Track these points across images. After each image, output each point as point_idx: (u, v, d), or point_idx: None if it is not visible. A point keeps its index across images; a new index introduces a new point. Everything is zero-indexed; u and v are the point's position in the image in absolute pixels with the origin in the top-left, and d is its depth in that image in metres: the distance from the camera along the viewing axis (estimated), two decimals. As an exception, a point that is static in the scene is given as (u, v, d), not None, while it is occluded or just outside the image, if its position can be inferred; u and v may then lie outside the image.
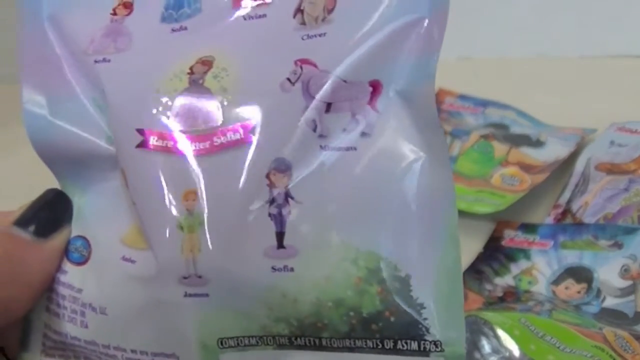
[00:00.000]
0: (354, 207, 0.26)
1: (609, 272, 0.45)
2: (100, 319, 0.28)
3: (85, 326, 0.28)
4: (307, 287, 0.26)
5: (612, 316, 0.42)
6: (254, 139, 0.26)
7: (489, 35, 0.72)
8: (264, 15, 0.28)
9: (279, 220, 0.26)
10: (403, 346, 0.26)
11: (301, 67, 0.26)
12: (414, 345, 0.26)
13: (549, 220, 0.51)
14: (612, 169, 0.52)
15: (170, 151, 0.27)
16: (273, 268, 0.26)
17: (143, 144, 0.27)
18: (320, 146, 0.26)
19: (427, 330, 0.25)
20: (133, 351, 0.28)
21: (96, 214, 0.29)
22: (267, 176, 0.26)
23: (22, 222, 0.28)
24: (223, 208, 0.26)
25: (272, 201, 0.26)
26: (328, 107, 0.26)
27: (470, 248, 0.50)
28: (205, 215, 0.26)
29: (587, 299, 0.44)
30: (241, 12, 0.28)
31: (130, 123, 0.27)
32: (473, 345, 0.38)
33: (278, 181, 0.26)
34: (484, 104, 0.64)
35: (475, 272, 0.48)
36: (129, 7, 0.29)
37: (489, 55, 0.71)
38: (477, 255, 0.50)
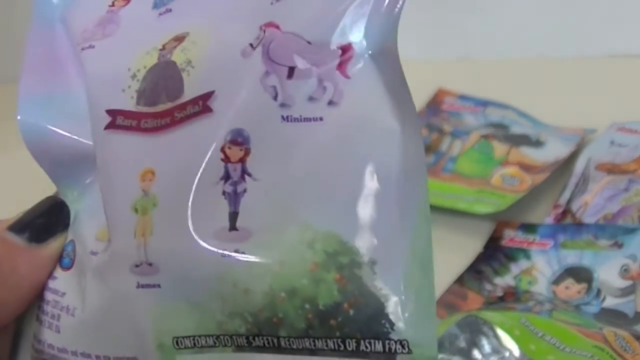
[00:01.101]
0: (317, 183, 0.23)
1: (609, 272, 0.45)
2: (70, 322, 0.27)
3: (57, 331, 0.27)
4: (258, 275, 0.23)
5: (612, 316, 0.42)
6: (214, 110, 0.24)
7: (489, 35, 0.72)
8: None
9: (233, 199, 0.23)
10: (366, 347, 0.23)
11: (264, 31, 0.24)
12: (379, 346, 0.22)
13: (549, 220, 0.51)
14: (612, 169, 0.52)
15: (133, 130, 0.25)
16: (223, 253, 0.23)
17: (110, 125, 0.26)
18: (282, 117, 0.24)
19: (392, 326, 0.22)
20: (97, 357, 0.26)
21: (78, 214, 0.28)
22: (222, 149, 0.24)
23: (17, 228, 0.28)
24: (176, 187, 0.24)
25: (226, 178, 0.24)
26: (291, 72, 0.24)
27: (470, 248, 0.50)
28: (161, 196, 0.24)
29: (587, 299, 0.44)
30: None
31: (102, 104, 0.26)
32: (473, 345, 0.38)
33: (234, 155, 0.24)
34: (484, 104, 0.64)
35: (475, 272, 0.48)
36: None
37: (489, 55, 0.71)
38: (477, 255, 0.50)
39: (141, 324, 0.25)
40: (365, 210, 0.23)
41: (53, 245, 0.28)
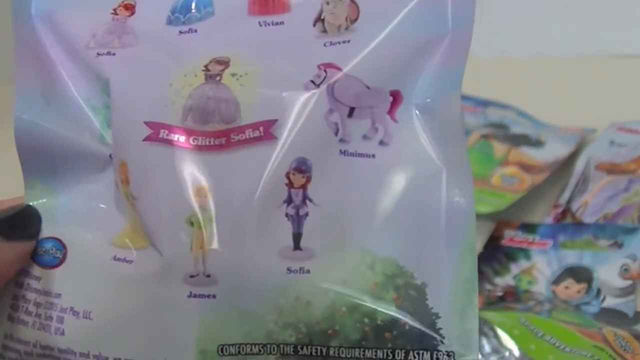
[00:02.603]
0: (371, 213, 0.26)
1: (608, 271, 0.45)
2: (81, 324, 0.27)
3: (61, 333, 0.27)
4: (322, 291, 0.25)
5: (612, 316, 0.42)
6: (277, 137, 0.26)
7: (489, 35, 0.72)
8: (281, 23, 0.28)
9: (297, 221, 0.26)
10: (415, 357, 0.25)
11: (325, 71, 0.26)
12: (427, 356, 0.25)
13: (549, 220, 0.51)
14: (612, 169, 0.52)
15: (182, 146, 0.26)
16: (289, 269, 0.25)
17: (152, 137, 0.26)
18: (340, 150, 0.26)
19: (442, 340, 0.25)
20: (116, 359, 0.27)
21: (74, 216, 0.28)
22: (287, 175, 0.26)
23: None
24: (237, 205, 0.26)
25: (289, 201, 0.26)
26: (351, 111, 0.26)
27: (470, 248, 0.50)
28: (218, 212, 0.26)
29: (587, 298, 0.44)
30: (257, 19, 0.28)
31: (138, 115, 0.27)
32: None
33: (297, 181, 0.26)
34: (484, 104, 0.64)
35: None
36: (130, 8, 0.29)
37: (489, 55, 0.71)
38: (477, 255, 0.50)
39: (184, 331, 0.26)
40: (418, 239, 0.26)
41: (22, 246, 0.28)
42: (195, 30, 0.28)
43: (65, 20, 0.29)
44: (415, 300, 0.25)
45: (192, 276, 0.26)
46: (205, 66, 0.27)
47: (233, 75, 0.27)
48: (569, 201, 0.51)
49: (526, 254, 0.48)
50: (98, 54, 0.28)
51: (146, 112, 0.27)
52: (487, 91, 0.64)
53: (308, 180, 0.26)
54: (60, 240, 0.28)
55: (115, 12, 0.29)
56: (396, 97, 0.27)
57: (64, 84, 0.29)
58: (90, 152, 0.28)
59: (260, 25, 0.28)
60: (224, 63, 0.27)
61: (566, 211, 0.51)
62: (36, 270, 0.28)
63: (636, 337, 0.38)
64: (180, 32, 0.28)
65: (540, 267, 0.47)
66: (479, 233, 0.51)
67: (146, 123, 0.27)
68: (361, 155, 0.26)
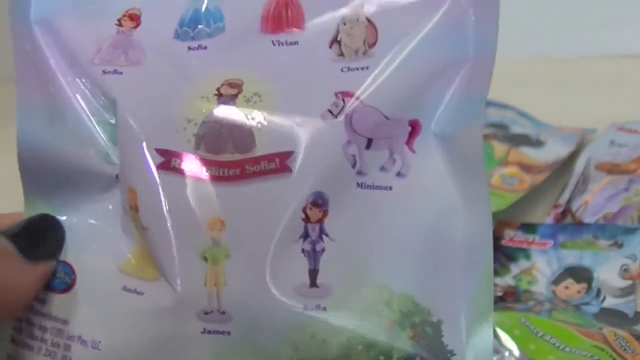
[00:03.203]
0: (389, 247, 0.25)
1: (608, 272, 0.45)
2: (90, 355, 0.26)
3: None
4: (338, 328, 0.25)
5: (612, 316, 0.42)
6: (293, 169, 0.25)
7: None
8: (296, 43, 0.26)
9: (313, 257, 0.25)
10: None
11: (343, 100, 0.25)
12: None
13: (549, 220, 0.51)
14: (612, 169, 0.52)
15: (195, 176, 0.25)
16: (305, 307, 0.25)
17: (163, 166, 0.25)
18: (357, 183, 0.25)
19: None
20: None
21: (81, 237, 0.27)
22: (304, 210, 0.25)
23: (11, 235, 0.26)
24: (251, 240, 0.25)
25: (305, 236, 0.25)
26: (369, 143, 0.25)
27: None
28: (233, 247, 0.25)
29: (587, 298, 0.44)
30: (270, 37, 0.27)
31: (148, 141, 0.26)
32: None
33: (314, 216, 0.25)
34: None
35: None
36: (135, 19, 0.28)
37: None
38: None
39: None
40: (436, 274, 0.25)
41: (45, 266, 0.27)
42: (205, 47, 0.27)
43: (67, 29, 0.28)
44: (431, 338, 0.25)
45: (206, 313, 0.25)
46: (218, 89, 0.26)
47: (247, 101, 0.26)
48: (569, 201, 0.51)
49: (526, 254, 0.48)
50: (104, 72, 0.27)
51: (156, 138, 0.26)
52: (487, 91, 0.64)
53: (325, 214, 0.25)
54: (70, 265, 0.27)
55: (119, 23, 0.28)
56: (415, 127, 0.26)
57: (66, 97, 0.27)
58: (95, 171, 0.27)
59: (274, 45, 0.26)
60: (237, 86, 0.26)
61: (566, 211, 0.51)
62: (41, 293, 0.27)
63: (636, 337, 0.38)
64: (189, 48, 0.27)
65: (540, 267, 0.47)
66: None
67: (157, 150, 0.26)
68: (378, 187, 0.25)
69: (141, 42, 0.27)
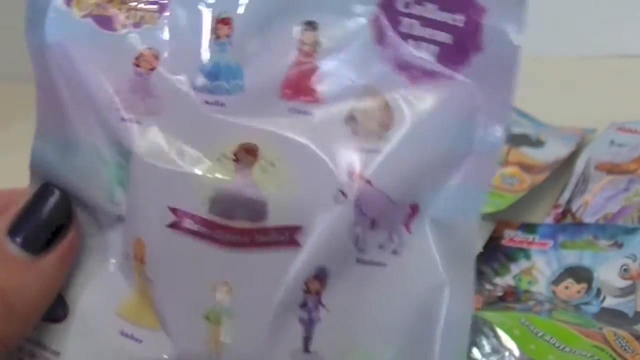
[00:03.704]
0: (378, 320, 0.26)
1: (608, 272, 0.45)
2: None
3: None
4: None
5: (612, 316, 0.42)
6: (302, 244, 0.26)
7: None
8: (311, 114, 0.26)
9: (308, 325, 0.26)
10: None
11: (355, 181, 0.26)
12: None
13: (549, 220, 0.51)
14: (612, 169, 0.52)
15: (205, 238, 0.26)
16: None
17: (175, 225, 0.26)
18: (357, 259, 0.26)
19: None
20: None
21: (76, 271, 0.27)
22: (306, 282, 0.26)
23: (14, 230, 0.25)
24: (255, 306, 0.26)
25: (303, 305, 0.26)
26: (372, 223, 0.26)
27: (470, 248, 0.50)
28: (237, 311, 0.26)
29: (587, 298, 0.44)
30: (288, 104, 0.26)
31: (163, 198, 0.26)
32: (473, 345, 0.38)
33: (314, 288, 0.26)
34: (484, 103, 0.64)
35: (475, 272, 0.48)
36: (152, 61, 0.27)
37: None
38: (477, 255, 0.49)
39: None
40: (417, 348, 0.26)
41: (54, 257, 0.25)
42: (223, 104, 0.26)
43: (82, 60, 0.27)
44: None
45: None
46: (235, 154, 0.26)
47: (263, 171, 0.26)
48: (569, 201, 0.51)
49: (526, 254, 0.48)
50: (123, 119, 0.27)
51: (170, 196, 0.26)
52: (487, 91, 0.64)
53: (323, 286, 0.26)
54: (62, 297, 0.27)
55: (137, 64, 0.27)
56: (414, 210, 0.26)
57: (73, 126, 0.27)
58: (98, 209, 0.27)
59: (291, 112, 0.26)
60: (253, 152, 0.26)
61: (566, 211, 0.51)
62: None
63: (636, 337, 0.38)
64: (206, 102, 0.26)
65: (540, 267, 0.47)
66: (479, 233, 0.51)
67: (170, 209, 0.26)
68: (374, 264, 0.26)
69: (158, 87, 0.27)
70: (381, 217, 0.26)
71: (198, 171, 0.26)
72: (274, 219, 0.26)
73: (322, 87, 0.26)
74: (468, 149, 0.26)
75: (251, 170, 0.26)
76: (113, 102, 0.27)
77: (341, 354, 0.26)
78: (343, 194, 0.26)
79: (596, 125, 0.58)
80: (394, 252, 0.26)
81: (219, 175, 0.26)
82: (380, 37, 0.27)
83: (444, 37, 0.26)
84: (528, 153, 0.57)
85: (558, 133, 0.58)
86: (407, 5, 0.26)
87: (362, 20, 0.27)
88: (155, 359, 0.26)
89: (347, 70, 0.27)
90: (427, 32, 0.26)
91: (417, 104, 0.26)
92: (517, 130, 0.60)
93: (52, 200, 0.26)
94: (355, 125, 0.26)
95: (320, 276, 0.26)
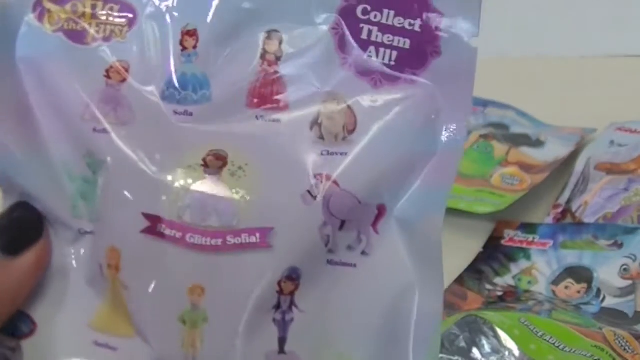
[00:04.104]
0: (350, 320, 0.27)
1: (608, 271, 0.45)
2: None
3: None
4: None
5: (612, 316, 0.42)
6: (273, 246, 0.26)
7: (489, 35, 0.72)
8: (278, 121, 0.27)
9: (282, 326, 0.27)
10: None
11: (322, 183, 0.27)
12: None
13: (549, 220, 0.51)
14: (611, 169, 0.52)
15: (179, 242, 0.26)
16: None
17: (149, 230, 0.27)
18: (327, 260, 0.27)
19: None
20: None
21: (43, 289, 0.28)
22: (279, 283, 0.27)
23: None
24: (228, 307, 0.26)
25: (277, 307, 0.27)
26: (342, 224, 0.27)
27: (470, 248, 0.50)
28: (211, 313, 0.26)
29: (587, 298, 0.44)
30: (255, 112, 0.28)
31: (136, 206, 0.27)
32: (473, 345, 0.38)
33: (287, 289, 0.27)
34: (484, 103, 0.64)
35: (475, 272, 0.48)
36: (122, 73, 0.28)
37: (489, 55, 0.71)
38: (477, 255, 0.50)
39: None
40: (390, 346, 0.27)
41: (29, 257, 0.27)
42: (191, 114, 0.27)
43: (53, 73, 0.28)
44: None
45: None
46: (204, 160, 0.27)
47: (232, 175, 0.27)
48: (569, 201, 0.52)
49: (526, 254, 0.48)
50: (95, 130, 0.27)
51: (143, 203, 0.27)
52: (486, 91, 0.64)
53: (296, 287, 0.27)
54: (28, 315, 0.28)
55: (108, 75, 0.28)
56: (381, 211, 0.27)
57: (40, 141, 0.28)
58: (60, 223, 0.28)
59: (257, 119, 0.28)
60: (222, 158, 0.27)
61: (566, 211, 0.51)
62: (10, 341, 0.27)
63: (636, 337, 0.38)
64: (175, 112, 0.27)
65: (540, 267, 0.47)
66: (479, 233, 0.51)
67: (144, 215, 0.27)
68: (344, 264, 0.27)
69: (129, 98, 0.28)
70: (349, 218, 0.27)
71: (169, 177, 0.27)
72: (244, 221, 0.26)
73: (287, 94, 0.28)
74: (431, 150, 0.28)
75: (220, 175, 0.27)
76: (85, 113, 0.28)
77: (316, 355, 0.27)
78: (311, 195, 0.27)
79: (596, 125, 0.58)
80: (363, 253, 0.27)
81: (190, 181, 0.27)
82: (341, 45, 0.28)
83: (402, 42, 0.27)
84: (528, 153, 0.57)
85: (558, 133, 0.58)
86: (366, 13, 0.27)
87: (324, 29, 0.28)
88: None
89: (310, 77, 0.28)
90: (386, 38, 0.27)
91: (380, 107, 0.27)
92: (517, 130, 0.60)
93: (26, 212, 0.28)
94: (320, 130, 0.27)
95: (292, 277, 0.27)
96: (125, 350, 0.27)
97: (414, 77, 0.27)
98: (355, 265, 0.27)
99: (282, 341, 0.27)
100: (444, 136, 0.28)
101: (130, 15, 0.28)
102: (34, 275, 0.27)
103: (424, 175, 0.27)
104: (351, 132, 0.27)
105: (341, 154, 0.27)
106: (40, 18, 0.28)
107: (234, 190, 0.27)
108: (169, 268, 0.26)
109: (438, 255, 0.27)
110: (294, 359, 0.27)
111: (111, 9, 0.28)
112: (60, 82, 0.28)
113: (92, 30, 0.28)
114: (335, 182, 0.27)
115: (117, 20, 0.28)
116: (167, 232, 0.26)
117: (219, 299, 0.26)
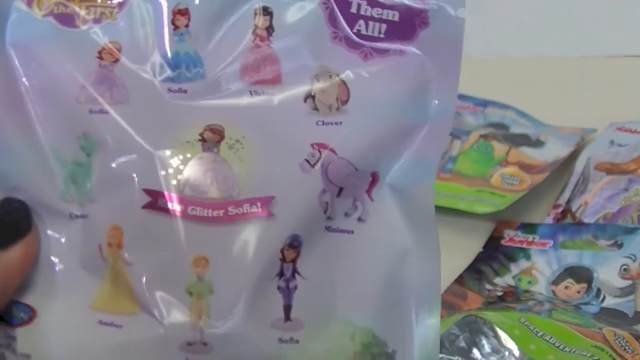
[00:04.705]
0: (352, 286, 0.28)
1: (608, 271, 0.45)
2: None
3: None
4: (309, 358, 0.27)
5: (612, 316, 0.42)
6: (274, 214, 0.27)
7: (489, 35, 0.72)
8: (272, 94, 0.28)
9: (287, 294, 0.27)
10: None
11: (319, 151, 0.27)
12: None
13: (549, 220, 0.51)
14: (611, 169, 0.52)
15: (181, 215, 0.27)
16: (280, 339, 0.27)
17: (150, 205, 0.27)
18: (326, 227, 0.28)
19: None
20: None
21: (40, 278, 0.28)
22: (282, 251, 0.27)
23: None
24: (235, 277, 0.27)
25: (281, 274, 0.27)
26: (340, 191, 0.28)
27: (470, 248, 0.50)
28: (217, 283, 0.27)
29: (587, 298, 0.44)
30: (248, 87, 0.28)
31: (136, 181, 0.27)
32: (473, 345, 0.38)
33: (289, 256, 0.27)
34: (484, 103, 0.64)
35: (475, 272, 0.48)
36: (114, 53, 0.28)
37: (489, 55, 0.71)
38: (477, 255, 0.50)
39: None
40: (391, 310, 0.28)
41: (16, 251, 0.27)
42: (185, 91, 0.28)
43: (47, 58, 0.28)
44: None
45: (189, 344, 0.26)
46: (201, 135, 0.27)
47: (230, 147, 0.27)
48: (569, 201, 0.52)
49: (526, 254, 0.48)
50: (91, 111, 0.28)
51: (143, 179, 0.27)
52: (486, 91, 0.64)
53: (298, 255, 0.27)
54: (28, 305, 0.28)
55: (100, 57, 0.28)
56: (375, 178, 0.28)
57: (31, 126, 0.28)
58: (49, 208, 0.28)
59: (251, 94, 0.28)
60: (219, 132, 0.27)
61: (566, 211, 0.51)
62: (3, 328, 0.27)
63: (636, 337, 0.38)
64: (170, 90, 0.28)
65: (540, 267, 0.47)
66: (479, 233, 0.51)
67: (145, 190, 0.27)
68: (342, 231, 0.28)
69: (123, 78, 0.28)
70: (346, 185, 0.28)
71: (168, 152, 0.27)
72: (245, 192, 0.27)
73: (279, 68, 0.28)
74: (423, 119, 0.28)
75: (218, 148, 0.27)
76: (80, 96, 0.28)
77: (321, 321, 0.27)
78: (309, 163, 0.27)
79: (596, 125, 0.58)
80: (359, 220, 0.28)
81: (188, 155, 0.27)
82: (331, 19, 0.28)
83: (391, 15, 0.28)
84: (528, 153, 0.57)
85: (558, 133, 0.58)
86: None
87: (314, 4, 0.28)
88: (139, 339, 0.27)
89: (302, 51, 0.28)
90: (375, 12, 0.28)
91: (372, 78, 0.28)
92: (517, 130, 0.60)
93: (14, 206, 0.28)
94: (314, 102, 0.28)
95: (294, 244, 0.27)
96: (131, 326, 0.27)
97: (404, 48, 0.28)
98: (352, 232, 0.28)
99: (287, 308, 0.27)
100: (435, 105, 0.28)
101: None
102: (21, 269, 0.27)
103: (415, 143, 0.28)
104: (344, 102, 0.28)
105: (336, 123, 0.28)
106: (29, 3, 0.28)
107: (232, 163, 0.27)
108: (172, 241, 0.27)
109: (431, 220, 0.28)
110: (300, 325, 0.27)
111: None
112: (52, 65, 0.28)
113: (82, 13, 0.28)
114: (332, 150, 0.27)
115: (108, 1, 0.28)
116: (168, 205, 0.27)
117: (223, 269, 0.27)
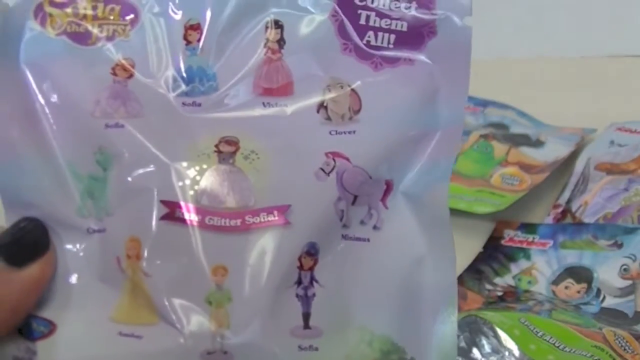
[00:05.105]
0: (368, 293, 0.28)
1: (608, 271, 0.45)
2: None
3: None
4: None
5: (612, 316, 0.42)
6: (291, 222, 0.27)
7: (489, 35, 0.72)
8: (285, 105, 0.29)
9: (305, 302, 0.28)
10: None
11: (334, 160, 0.28)
12: None
13: (549, 220, 0.51)
14: (611, 169, 0.52)
15: (198, 225, 0.27)
16: (300, 347, 0.27)
17: (168, 216, 0.27)
18: (342, 235, 0.28)
19: None
20: None
21: (58, 294, 0.28)
22: (299, 259, 0.27)
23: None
24: (254, 286, 0.27)
25: (299, 282, 0.28)
26: (354, 199, 0.28)
27: (470, 248, 0.50)
28: (235, 292, 0.27)
29: (587, 298, 0.44)
30: (261, 99, 0.29)
31: (153, 193, 0.27)
32: (473, 345, 0.38)
33: (306, 264, 0.28)
34: (484, 103, 0.64)
35: (475, 272, 0.48)
36: (128, 69, 0.28)
37: (489, 55, 0.71)
38: (477, 255, 0.50)
39: None
40: (409, 317, 0.28)
41: (34, 269, 0.27)
42: (199, 105, 0.28)
43: (60, 74, 0.28)
44: None
45: (209, 353, 0.27)
46: (216, 146, 0.28)
47: (245, 158, 0.28)
48: (569, 201, 0.52)
49: (526, 254, 0.48)
50: (107, 126, 0.28)
51: (160, 190, 0.27)
52: (487, 91, 0.64)
53: (315, 262, 0.28)
54: (48, 320, 0.28)
55: (114, 73, 0.28)
56: (389, 186, 0.29)
57: (46, 142, 0.28)
58: (65, 223, 0.28)
59: (264, 106, 0.29)
60: (234, 144, 0.28)
61: (566, 211, 0.51)
62: (24, 343, 0.27)
63: (636, 337, 0.38)
64: (184, 104, 0.28)
65: (540, 267, 0.47)
66: (479, 233, 0.51)
67: (162, 202, 0.27)
68: (358, 239, 0.28)
69: (137, 93, 0.28)
70: (361, 193, 0.28)
71: (184, 164, 0.28)
72: (261, 201, 0.27)
73: (291, 80, 0.29)
74: (434, 126, 0.29)
75: (234, 159, 0.28)
76: (95, 111, 0.28)
77: (339, 329, 0.28)
78: (324, 171, 0.28)
79: (596, 125, 0.58)
80: (375, 228, 0.29)
81: (204, 166, 0.28)
82: (341, 31, 0.29)
83: (399, 25, 0.29)
84: (528, 153, 0.57)
85: (558, 133, 0.59)
86: None
87: (323, 16, 0.29)
88: (160, 349, 0.27)
89: (313, 63, 0.29)
90: (384, 22, 0.29)
91: (383, 87, 0.29)
92: (517, 130, 0.60)
93: (32, 225, 0.28)
94: (327, 112, 0.29)
95: (311, 252, 0.28)
96: (151, 337, 0.27)
97: (413, 57, 0.29)
98: (368, 240, 0.28)
99: (306, 316, 0.28)
100: (445, 112, 0.29)
101: (132, 15, 0.29)
102: (38, 287, 0.27)
103: (428, 150, 0.29)
104: (357, 112, 0.29)
105: (349, 132, 0.28)
106: (42, 23, 0.29)
107: (248, 173, 0.28)
108: (191, 251, 0.27)
109: (446, 226, 0.29)
110: (319, 333, 0.28)
111: (112, 10, 0.29)
112: (67, 82, 0.28)
113: (95, 31, 0.29)
114: (346, 158, 0.28)
115: (119, 19, 0.29)
116: (186, 216, 0.27)
117: (242, 278, 0.27)
